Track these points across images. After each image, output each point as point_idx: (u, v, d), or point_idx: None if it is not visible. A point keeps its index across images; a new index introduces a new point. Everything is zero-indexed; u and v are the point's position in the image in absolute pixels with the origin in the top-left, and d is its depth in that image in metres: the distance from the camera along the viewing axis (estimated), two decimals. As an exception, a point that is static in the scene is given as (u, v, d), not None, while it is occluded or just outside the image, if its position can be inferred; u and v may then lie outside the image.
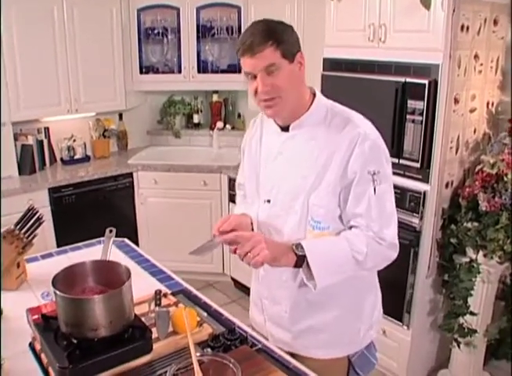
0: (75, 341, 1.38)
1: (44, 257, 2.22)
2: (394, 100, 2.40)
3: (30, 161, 3.56)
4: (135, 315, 1.50)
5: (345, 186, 1.42)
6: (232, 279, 3.98)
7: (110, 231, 1.72)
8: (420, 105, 2.32)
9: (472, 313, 2.53)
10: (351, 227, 1.47)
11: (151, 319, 1.61)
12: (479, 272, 2.43)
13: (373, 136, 1.43)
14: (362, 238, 1.42)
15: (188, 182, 3.85)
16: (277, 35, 1.35)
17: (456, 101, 2.36)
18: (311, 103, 1.47)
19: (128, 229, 3.66)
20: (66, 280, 1.44)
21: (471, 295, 2.49)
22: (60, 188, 3.46)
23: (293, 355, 1.58)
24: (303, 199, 1.46)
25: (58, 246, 3.20)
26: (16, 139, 3.54)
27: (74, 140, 3.86)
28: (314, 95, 1.50)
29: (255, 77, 1.38)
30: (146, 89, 4.19)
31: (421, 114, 2.33)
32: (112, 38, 3.76)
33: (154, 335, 1.50)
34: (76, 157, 3.89)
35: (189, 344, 1.38)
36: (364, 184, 1.40)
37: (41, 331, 1.46)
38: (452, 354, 2.73)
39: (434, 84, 2.28)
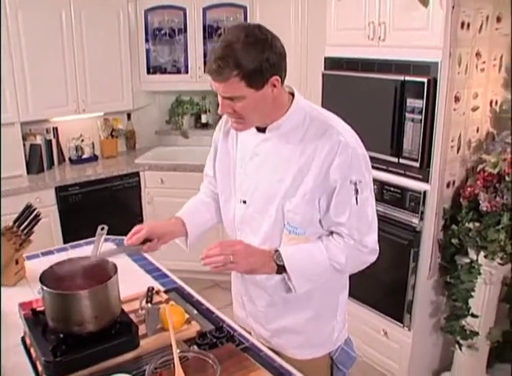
0: (62, 336, 1.40)
1: (44, 254, 2.25)
2: (394, 99, 2.38)
3: (38, 161, 3.62)
4: (123, 310, 1.52)
5: (325, 194, 1.40)
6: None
7: (102, 228, 1.73)
8: (419, 103, 2.30)
9: (473, 315, 2.48)
10: (332, 232, 1.47)
11: (141, 315, 1.62)
12: (480, 274, 2.39)
13: (354, 144, 1.39)
14: (342, 248, 1.42)
15: (194, 181, 3.79)
16: (244, 66, 1.24)
17: (457, 99, 2.33)
18: (290, 105, 1.42)
19: (135, 228, 3.68)
20: (54, 276, 1.46)
21: (472, 297, 2.45)
22: (67, 187, 3.50)
23: (273, 351, 1.59)
24: (277, 204, 1.44)
25: (65, 244, 3.23)
26: (24, 139, 3.59)
27: (82, 140, 3.90)
28: (292, 95, 1.45)
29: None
30: (153, 89, 4.23)
31: (421, 113, 2.30)
32: (119, 39, 3.80)
33: (143, 331, 1.52)
34: (84, 157, 3.93)
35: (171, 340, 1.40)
36: (346, 194, 1.38)
37: (31, 326, 1.48)
38: (455, 356, 2.69)
39: (433, 83, 2.25)
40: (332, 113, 1.47)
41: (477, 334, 2.50)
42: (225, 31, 3.93)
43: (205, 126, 4.57)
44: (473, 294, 2.43)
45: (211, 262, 1.36)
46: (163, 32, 3.99)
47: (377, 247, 1.47)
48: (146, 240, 1.58)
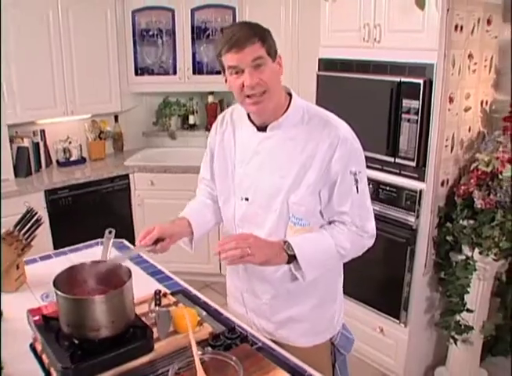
0: (77, 342, 1.39)
1: (43, 258, 2.22)
2: (390, 100, 2.42)
3: (26, 164, 3.56)
4: (136, 315, 1.51)
5: (327, 186, 1.49)
6: (230, 279, 3.98)
7: (110, 232, 1.72)
8: (415, 104, 2.34)
9: (468, 310, 2.55)
10: (331, 222, 1.55)
11: (151, 319, 1.61)
12: (475, 270, 2.45)
13: (351, 138, 1.50)
14: (346, 235, 1.52)
15: (185, 183, 3.85)
16: (262, 34, 1.41)
17: (451, 100, 2.39)
18: (289, 104, 1.51)
19: (125, 231, 3.63)
20: (67, 280, 1.45)
21: (468, 292, 2.51)
22: (57, 190, 3.46)
23: (276, 342, 1.63)
24: (282, 198, 1.51)
25: (55, 248, 3.19)
26: (11, 142, 3.53)
27: (70, 142, 3.86)
28: (290, 95, 1.54)
29: (241, 72, 1.40)
30: (141, 91, 4.20)
31: (416, 113, 2.35)
32: (107, 40, 3.77)
33: (155, 335, 1.51)
34: (72, 159, 3.89)
35: (190, 343, 1.40)
36: (347, 184, 1.48)
37: (43, 332, 1.46)
38: (449, 351, 2.75)
39: (429, 84, 2.30)
40: (327, 111, 1.55)
41: (471, 328, 2.56)
42: (213, 32, 3.95)
43: (193, 127, 4.56)
44: (468, 289, 2.49)
45: (228, 256, 1.38)
46: (150, 33, 3.96)
47: (375, 232, 1.57)
48: (157, 241, 1.60)
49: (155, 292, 1.75)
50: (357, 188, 1.49)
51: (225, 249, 1.38)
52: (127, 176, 3.83)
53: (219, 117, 1.71)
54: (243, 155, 1.58)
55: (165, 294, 1.79)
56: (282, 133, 1.51)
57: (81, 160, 3.94)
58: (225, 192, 1.66)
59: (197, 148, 4.44)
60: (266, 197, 1.53)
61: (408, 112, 2.38)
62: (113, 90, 3.90)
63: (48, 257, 2.25)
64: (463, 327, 2.57)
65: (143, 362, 1.43)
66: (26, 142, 3.57)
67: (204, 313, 1.72)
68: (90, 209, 3.64)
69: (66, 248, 2.32)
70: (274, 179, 1.51)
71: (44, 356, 1.44)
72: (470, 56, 2.43)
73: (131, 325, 1.46)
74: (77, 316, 1.36)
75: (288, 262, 1.47)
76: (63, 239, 3.22)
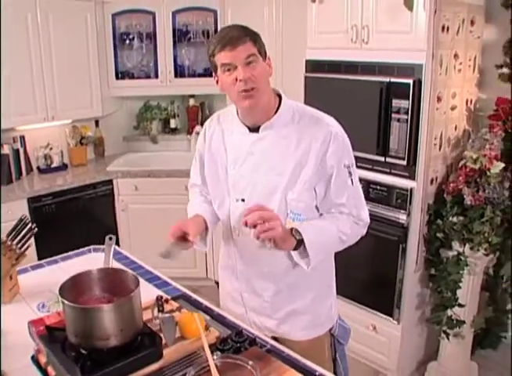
0: (84, 352, 1.36)
1: (34, 268, 2.17)
2: (379, 100, 2.45)
3: (6, 171, 3.47)
4: (144, 322, 1.49)
5: (323, 180, 1.55)
6: (217, 283, 3.97)
7: (110, 238, 1.70)
8: (405, 104, 2.38)
9: (460, 305, 2.59)
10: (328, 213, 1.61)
11: (156, 325, 1.59)
12: (467, 265, 2.50)
13: (342, 132, 1.57)
14: (347, 222, 1.60)
15: (169, 187, 3.83)
16: (252, 34, 1.47)
17: (439, 99, 2.43)
18: (279, 105, 1.56)
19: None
20: (72, 289, 1.42)
21: (460, 287, 2.56)
22: (40, 197, 3.39)
23: (276, 339, 1.67)
24: (280, 196, 1.55)
25: (39, 256, 3.12)
26: (-9, 149, 3.45)
27: (51, 148, 3.78)
28: (279, 96, 1.58)
29: (234, 68, 1.45)
30: (122, 95, 4.15)
31: (406, 113, 2.38)
32: (87, 44, 3.71)
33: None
34: (53, 166, 3.80)
35: (199, 348, 1.39)
36: (342, 177, 1.55)
37: (47, 343, 1.43)
38: (441, 346, 2.79)
39: (418, 84, 2.34)
40: (313, 108, 1.62)
41: (463, 322, 2.61)
42: (194, 35, 3.94)
43: (174, 131, 4.53)
44: (460, 284, 2.53)
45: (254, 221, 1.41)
46: (131, 36, 3.92)
47: (369, 220, 1.66)
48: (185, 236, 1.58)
49: (157, 298, 1.73)
50: (351, 180, 1.57)
51: (252, 222, 1.42)
52: (110, 182, 3.77)
53: (206, 123, 1.74)
54: (236, 157, 1.61)
55: (167, 300, 1.77)
56: (274, 133, 1.55)
57: (63, 167, 3.87)
58: (219, 195, 1.68)
59: (179, 152, 4.43)
60: (263, 196, 1.56)
61: (398, 112, 2.41)
62: (94, 95, 3.84)
63: (40, 266, 2.20)
64: (454, 321, 2.62)
65: (153, 369, 1.41)
66: (6, 149, 3.49)
67: (208, 318, 1.71)
68: (74, 216, 3.57)
69: (58, 256, 2.27)
70: (270, 178, 1.55)
71: (49, 368, 1.41)
72: (456, 56, 2.48)
73: (140, 333, 1.44)
74: (86, 326, 1.33)
75: (294, 249, 1.52)
76: (47, 247, 3.15)
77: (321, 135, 1.52)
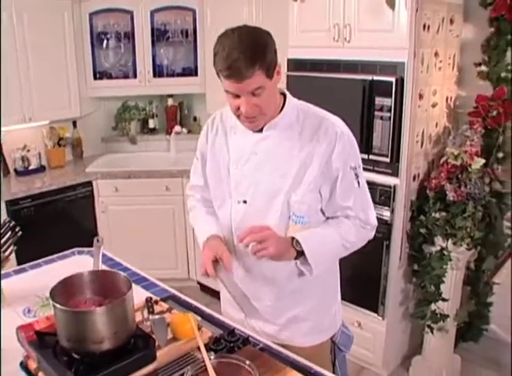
0: (77, 356, 1.34)
1: (17, 272, 2.13)
2: (362, 98, 2.47)
3: (-17, 174, 3.40)
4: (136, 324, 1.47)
5: (328, 183, 1.49)
6: (199, 283, 3.95)
7: (98, 240, 1.67)
8: (387, 102, 2.40)
9: (444, 299, 2.64)
10: (333, 217, 1.56)
11: (147, 327, 1.57)
12: (450, 260, 2.54)
13: (348, 133, 1.52)
14: (351, 228, 1.54)
15: (149, 188, 3.79)
16: (263, 56, 1.33)
17: (421, 97, 2.47)
18: (283, 104, 1.51)
19: (90, 239, 3.55)
20: (63, 292, 1.39)
21: (443, 282, 2.60)
22: (18, 200, 3.31)
23: (279, 345, 1.61)
24: (283, 198, 1.49)
25: (18, 260, 3.05)
26: (-34, 152, 3.36)
27: (28, 150, 3.70)
28: (283, 94, 1.53)
29: (237, 96, 1.39)
30: (100, 95, 4.09)
31: (389, 111, 2.41)
32: (64, 44, 3.64)
33: (154, 343, 1.48)
34: (31, 168, 3.73)
35: (192, 349, 1.41)
36: (349, 179, 1.50)
37: (38, 349, 1.40)
38: (425, 340, 2.83)
39: (400, 82, 2.36)
40: (318, 107, 1.56)
41: (447, 316, 2.65)
42: (173, 34, 3.90)
43: (152, 131, 4.50)
44: (444, 279, 2.58)
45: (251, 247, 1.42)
46: (108, 36, 3.86)
47: (377, 223, 1.60)
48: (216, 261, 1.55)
49: (146, 300, 1.72)
50: (358, 183, 1.51)
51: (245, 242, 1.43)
52: (90, 183, 3.72)
53: (208, 122, 1.68)
54: (239, 156, 1.55)
55: (156, 302, 1.75)
56: (278, 133, 1.50)
57: (41, 169, 3.79)
58: (220, 196, 1.63)
59: (158, 152, 4.40)
60: (266, 198, 1.52)
61: (381, 109, 2.44)
62: (72, 95, 3.77)
63: (23, 270, 2.16)
64: (438, 315, 2.66)
65: (147, 372, 1.39)
66: (-18, 152, 3.41)
67: (199, 318, 1.70)
68: (53, 218, 3.51)
69: (41, 260, 2.23)
70: (274, 179, 1.50)
71: (40, 374, 1.38)
72: (436, 54, 2.52)
73: (133, 335, 1.42)
74: (79, 330, 1.30)
75: (295, 258, 1.49)
76: (26, 251, 3.07)
77: (326, 136, 1.46)
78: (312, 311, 1.65)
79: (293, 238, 1.48)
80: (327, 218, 1.57)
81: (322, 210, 1.55)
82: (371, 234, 1.61)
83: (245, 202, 1.55)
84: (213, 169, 1.64)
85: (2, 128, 3.54)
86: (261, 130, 1.51)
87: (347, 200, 1.51)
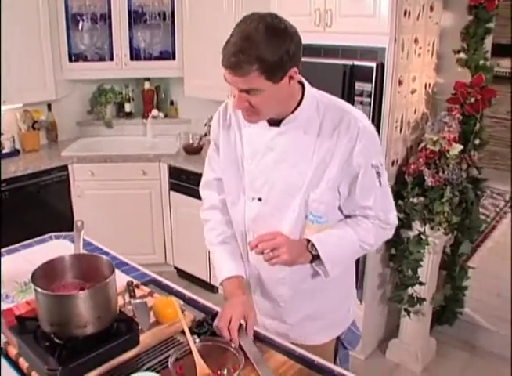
0: (59, 341, 1.32)
1: (-7, 257, 2.08)
2: (343, 83, 2.48)
3: (-46, 158, 3.30)
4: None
5: (347, 180, 1.40)
6: (176, 268, 3.95)
7: (80, 224, 1.65)
8: (368, 87, 2.41)
9: (421, 283, 2.69)
10: (351, 216, 1.48)
11: (129, 311, 1.56)
12: (427, 244, 2.58)
13: (370, 128, 1.41)
14: (370, 229, 1.45)
15: (126, 172, 3.75)
16: (266, 60, 1.20)
17: (400, 83, 2.48)
18: (302, 95, 1.39)
19: (66, 224, 3.49)
20: (45, 276, 1.37)
21: (421, 266, 2.65)
22: (-8, 185, 3.24)
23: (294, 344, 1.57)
24: (301, 196, 1.41)
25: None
26: None
27: (1, 133, 3.61)
28: (302, 84, 1.40)
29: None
30: (76, 78, 4.00)
31: (369, 96, 2.42)
32: (39, 25, 3.53)
33: (136, 328, 1.47)
34: (4, 152, 3.63)
35: (184, 330, 1.39)
36: (369, 177, 1.40)
37: (18, 334, 1.38)
38: (402, 324, 2.89)
39: (381, 67, 2.38)
40: (339, 99, 1.46)
41: (424, 300, 2.70)
42: (150, 17, 3.83)
43: (129, 115, 4.42)
44: (421, 263, 2.62)
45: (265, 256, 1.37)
46: (84, 17, 3.77)
47: (397, 222, 1.52)
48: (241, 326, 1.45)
49: (127, 284, 1.71)
50: (380, 181, 1.41)
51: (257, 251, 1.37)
52: (65, 167, 3.65)
53: (220, 110, 1.55)
54: (254, 152, 1.45)
55: (138, 286, 1.74)
56: (297, 127, 1.38)
57: (15, 153, 3.70)
58: (234, 192, 1.53)
59: (134, 136, 4.34)
60: (283, 196, 1.43)
61: (361, 95, 2.45)
62: (47, 77, 3.67)
63: (-1, 255, 2.11)
64: (415, 299, 2.71)
65: (131, 356, 1.39)
66: (-48, 136, 3.31)
67: (182, 302, 1.70)
68: (28, 203, 3.44)
69: (18, 245, 2.19)
70: (291, 176, 1.41)
71: (21, 360, 1.35)
72: (416, 41, 2.53)
73: (116, 319, 1.41)
74: (62, 314, 1.29)
75: (311, 261, 1.44)
76: (4, 235, 3.02)
77: (347, 131, 1.35)
78: (325, 309, 1.61)
79: (308, 240, 1.41)
80: (345, 216, 1.48)
81: (340, 207, 1.46)
82: (390, 234, 1.53)
83: (260, 200, 1.46)
84: (227, 161, 1.53)
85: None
86: (278, 124, 1.40)
87: (367, 199, 1.41)
